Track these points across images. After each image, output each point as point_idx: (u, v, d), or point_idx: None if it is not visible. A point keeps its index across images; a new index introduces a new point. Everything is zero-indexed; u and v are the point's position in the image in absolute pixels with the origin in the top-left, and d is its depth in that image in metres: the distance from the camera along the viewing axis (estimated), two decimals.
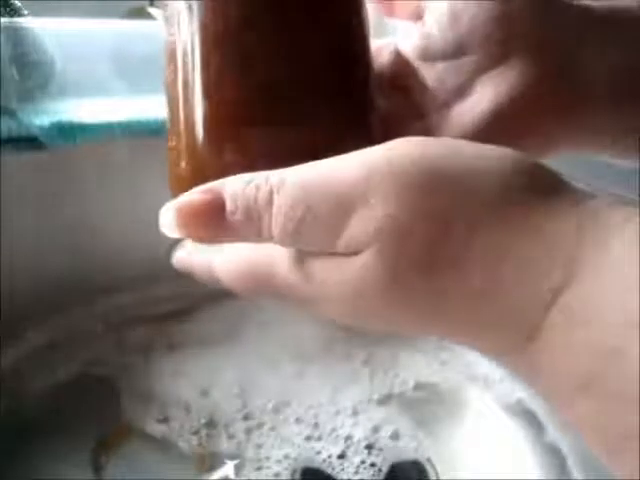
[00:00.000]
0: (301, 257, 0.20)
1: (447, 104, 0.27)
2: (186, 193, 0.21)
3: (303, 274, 0.20)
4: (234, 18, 0.23)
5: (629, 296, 0.15)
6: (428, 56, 0.27)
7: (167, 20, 0.25)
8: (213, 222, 0.20)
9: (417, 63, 0.28)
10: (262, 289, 0.22)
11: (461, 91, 0.27)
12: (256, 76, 0.23)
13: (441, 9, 0.27)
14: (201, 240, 0.21)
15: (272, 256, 0.21)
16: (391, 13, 0.30)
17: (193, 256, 0.24)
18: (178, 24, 0.24)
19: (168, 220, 0.20)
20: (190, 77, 0.23)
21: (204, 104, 0.23)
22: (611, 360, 0.15)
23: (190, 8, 0.23)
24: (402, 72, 0.28)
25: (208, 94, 0.23)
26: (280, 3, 0.23)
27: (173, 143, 0.24)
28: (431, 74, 0.27)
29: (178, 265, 0.25)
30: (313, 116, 0.23)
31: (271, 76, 0.23)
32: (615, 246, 0.16)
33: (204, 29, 0.23)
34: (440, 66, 0.27)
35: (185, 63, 0.24)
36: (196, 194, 0.20)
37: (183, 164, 0.24)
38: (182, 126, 0.24)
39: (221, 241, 0.22)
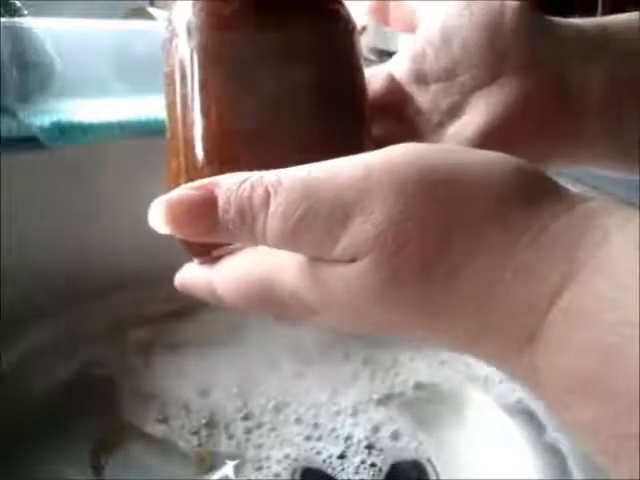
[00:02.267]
0: (305, 263, 0.20)
1: (441, 125, 0.27)
2: (178, 188, 0.20)
3: (307, 281, 0.20)
4: (232, 38, 0.23)
5: (629, 295, 0.15)
6: (421, 79, 0.28)
7: (168, 41, 0.25)
8: (204, 220, 0.19)
9: (410, 86, 0.28)
10: (265, 302, 0.21)
11: (454, 111, 0.27)
12: (254, 96, 0.23)
13: (432, 30, 0.27)
14: (191, 237, 0.21)
15: (274, 266, 0.21)
16: (386, 22, 0.30)
17: (194, 277, 0.24)
18: (177, 45, 0.24)
19: (157, 215, 0.20)
20: (189, 97, 0.24)
21: (203, 123, 0.23)
22: (610, 359, 0.15)
23: (189, 29, 0.24)
24: (396, 97, 0.28)
25: (206, 113, 0.23)
26: (277, 25, 0.24)
27: (173, 162, 0.24)
28: (425, 96, 0.28)
29: (179, 286, 0.25)
30: (310, 135, 0.24)
31: (268, 96, 0.23)
32: (615, 246, 0.16)
33: (202, 49, 0.23)
34: (433, 88, 0.28)
35: (184, 83, 0.24)
36: (188, 190, 0.20)
37: (182, 183, 0.24)
38: (181, 145, 0.24)
39: (212, 241, 0.21)
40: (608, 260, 0.16)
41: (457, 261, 0.17)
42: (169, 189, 0.20)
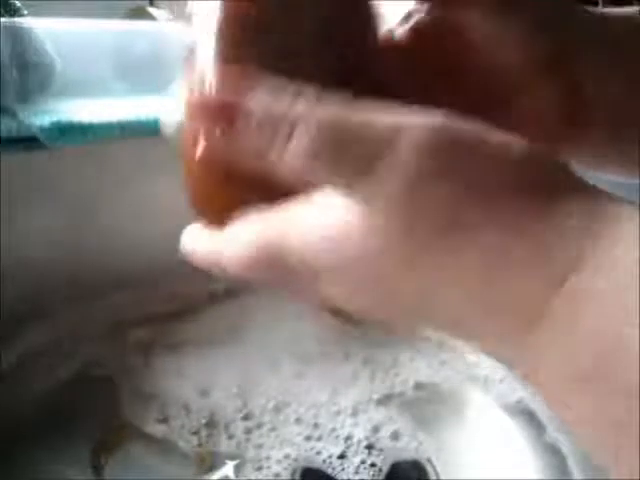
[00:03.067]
0: (315, 227, 0.19)
1: None
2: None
3: (316, 244, 0.19)
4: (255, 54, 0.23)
5: (629, 295, 0.15)
6: None
7: (189, 53, 0.24)
8: (227, 109, 0.19)
9: None
10: (271, 269, 0.20)
11: None
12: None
13: None
14: (207, 124, 0.20)
15: (282, 232, 0.20)
16: None
17: (198, 244, 0.23)
18: (198, 56, 0.24)
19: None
20: None
21: None
22: (610, 353, 0.15)
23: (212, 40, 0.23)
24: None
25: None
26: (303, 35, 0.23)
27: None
28: None
29: (184, 251, 0.24)
30: None
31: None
32: (615, 246, 0.16)
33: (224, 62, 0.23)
34: None
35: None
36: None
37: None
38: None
39: (227, 146, 0.20)
40: (608, 260, 0.16)
41: (474, 220, 0.17)
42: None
